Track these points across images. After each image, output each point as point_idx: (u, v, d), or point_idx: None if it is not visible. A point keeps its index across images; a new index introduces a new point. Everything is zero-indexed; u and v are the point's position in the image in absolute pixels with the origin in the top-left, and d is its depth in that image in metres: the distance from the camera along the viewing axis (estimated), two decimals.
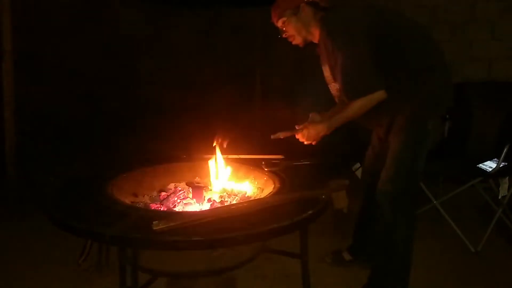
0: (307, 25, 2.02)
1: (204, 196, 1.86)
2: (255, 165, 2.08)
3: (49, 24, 3.50)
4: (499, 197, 2.80)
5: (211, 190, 1.95)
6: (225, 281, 2.23)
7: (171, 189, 1.99)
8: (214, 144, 2.00)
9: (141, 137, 3.57)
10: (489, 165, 2.69)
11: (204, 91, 4.36)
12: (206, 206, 1.79)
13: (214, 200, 1.83)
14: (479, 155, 2.82)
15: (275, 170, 2.00)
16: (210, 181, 2.00)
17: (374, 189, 2.04)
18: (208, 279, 2.21)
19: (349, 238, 2.46)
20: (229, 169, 2.02)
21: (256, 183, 2.00)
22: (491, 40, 3.86)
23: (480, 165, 2.72)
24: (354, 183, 2.08)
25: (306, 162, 2.09)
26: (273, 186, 1.85)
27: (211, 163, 2.01)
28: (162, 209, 1.74)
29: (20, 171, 3.28)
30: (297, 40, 2.07)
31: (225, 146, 2.01)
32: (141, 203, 1.83)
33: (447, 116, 2.84)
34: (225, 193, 1.91)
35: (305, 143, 2.02)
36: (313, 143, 2.01)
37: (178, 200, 1.82)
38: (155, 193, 1.94)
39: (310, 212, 1.57)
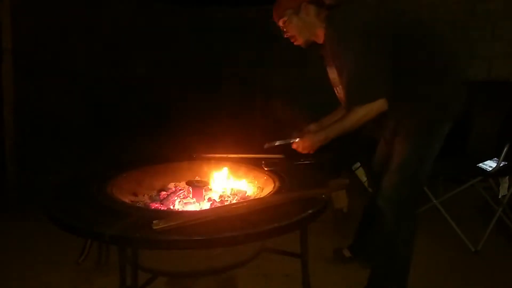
0: (310, 26, 1.91)
1: (204, 196, 1.86)
2: (255, 164, 2.08)
3: (49, 24, 3.50)
4: (499, 197, 2.80)
5: (211, 189, 1.95)
6: (225, 280, 2.23)
7: (171, 188, 1.99)
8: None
9: (141, 137, 3.57)
10: (489, 165, 2.69)
11: (204, 91, 4.37)
12: (206, 206, 1.79)
13: (214, 199, 1.83)
14: (479, 155, 2.82)
15: (275, 169, 2.00)
16: (210, 180, 2.00)
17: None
18: (208, 278, 2.21)
19: (349, 237, 2.46)
20: (229, 169, 2.02)
21: (256, 182, 2.01)
22: (491, 40, 3.86)
23: (480, 164, 2.72)
24: (354, 183, 2.08)
25: (306, 162, 2.08)
26: (273, 185, 1.85)
27: (210, 163, 2.01)
28: (162, 208, 1.75)
29: (20, 171, 3.28)
30: (299, 41, 1.97)
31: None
32: (141, 203, 1.83)
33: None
34: (225, 193, 1.92)
35: (302, 152, 1.96)
36: (310, 152, 1.95)
37: (178, 200, 1.83)
38: (155, 193, 1.95)
39: (310, 211, 1.57)
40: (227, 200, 1.84)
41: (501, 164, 2.62)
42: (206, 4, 4.52)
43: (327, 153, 2.03)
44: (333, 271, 2.36)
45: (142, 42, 4.20)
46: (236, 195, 1.91)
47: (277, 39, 2.03)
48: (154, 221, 1.38)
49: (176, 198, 1.83)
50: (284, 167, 2.01)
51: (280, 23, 1.96)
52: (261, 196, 1.78)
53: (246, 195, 1.92)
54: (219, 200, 1.84)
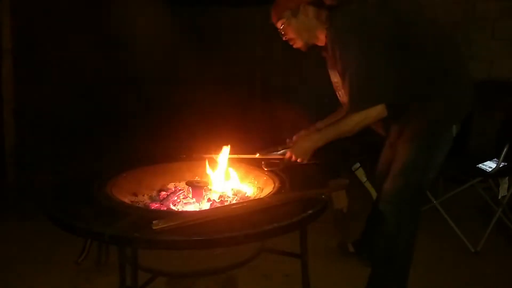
0: (310, 28, 1.83)
1: (204, 196, 1.86)
2: (255, 164, 2.08)
3: (49, 24, 3.50)
4: (499, 197, 2.80)
5: (210, 189, 1.95)
6: (224, 280, 2.23)
7: (171, 188, 1.99)
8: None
9: (141, 137, 3.57)
10: (489, 165, 2.69)
11: (204, 91, 4.36)
12: (206, 206, 1.79)
13: (213, 199, 1.83)
14: (479, 155, 2.81)
15: (275, 170, 2.00)
16: (209, 180, 2.00)
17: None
18: (208, 278, 2.21)
19: (350, 237, 2.46)
20: (230, 170, 2.02)
21: (256, 182, 2.01)
22: (491, 40, 3.86)
23: (480, 165, 2.72)
24: (354, 183, 2.07)
25: (314, 162, 2.08)
26: (273, 185, 1.85)
27: (210, 164, 2.00)
28: (162, 208, 1.75)
29: (20, 171, 3.28)
30: (298, 44, 1.89)
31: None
32: (141, 203, 1.83)
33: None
34: (224, 193, 1.92)
35: (298, 160, 1.88)
36: (304, 161, 1.87)
37: (178, 200, 1.83)
38: (155, 193, 1.95)
39: (310, 212, 1.57)
40: (227, 201, 1.84)
41: (501, 165, 2.62)
42: (206, 4, 4.51)
43: (326, 154, 2.03)
44: (333, 271, 2.36)
45: (142, 42, 4.20)
46: (236, 195, 1.91)
47: (277, 39, 1.99)
48: (154, 221, 1.38)
49: (176, 198, 1.83)
50: (284, 168, 2.00)
51: (279, 25, 1.88)
52: (261, 197, 1.78)
53: (246, 195, 1.92)
54: (219, 200, 1.83)
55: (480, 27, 3.85)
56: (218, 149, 2.01)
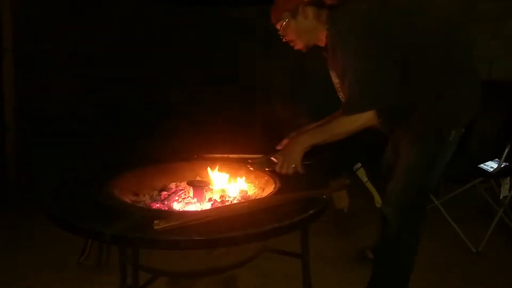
0: (310, 29, 1.78)
1: (205, 196, 1.86)
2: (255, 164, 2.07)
3: (49, 23, 3.50)
4: (500, 197, 2.79)
5: (212, 189, 1.95)
6: (225, 280, 2.23)
7: (172, 188, 1.99)
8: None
9: (141, 137, 3.57)
10: (490, 165, 2.69)
11: (204, 91, 4.37)
12: (207, 206, 1.78)
13: (215, 199, 1.83)
14: (481, 155, 2.81)
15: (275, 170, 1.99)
16: (211, 180, 2.00)
17: None
18: (209, 278, 2.20)
19: (350, 237, 2.45)
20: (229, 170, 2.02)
21: (257, 182, 2.00)
22: (491, 40, 3.85)
23: (482, 165, 2.71)
24: (355, 183, 2.07)
25: (306, 162, 2.08)
26: (274, 186, 1.84)
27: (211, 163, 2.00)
28: (163, 208, 1.74)
29: (20, 171, 3.28)
30: (299, 46, 1.84)
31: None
32: (142, 203, 1.83)
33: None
34: (226, 193, 1.91)
35: (288, 171, 1.81)
36: (293, 170, 1.80)
37: (179, 200, 1.82)
38: (156, 193, 1.94)
39: (311, 212, 1.57)
40: (228, 200, 1.84)
41: (502, 165, 2.62)
42: (206, 4, 4.52)
43: (327, 154, 2.02)
44: (334, 271, 2.36)
45: (142, 42, 4.20)
46: (237, 195, 1.91)
47: (277, 39, 1.97)
48: (154, 221, 1.37)
49: (177, 198, 1.83)
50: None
51: (278, 27, 1.83)
52: (262, 197, 1.78)
53: (247, 195, 1.92)
54: (220, 200, 1.83)
55: (480, 27, 3.85)
56: (218, 149, 2.01)
